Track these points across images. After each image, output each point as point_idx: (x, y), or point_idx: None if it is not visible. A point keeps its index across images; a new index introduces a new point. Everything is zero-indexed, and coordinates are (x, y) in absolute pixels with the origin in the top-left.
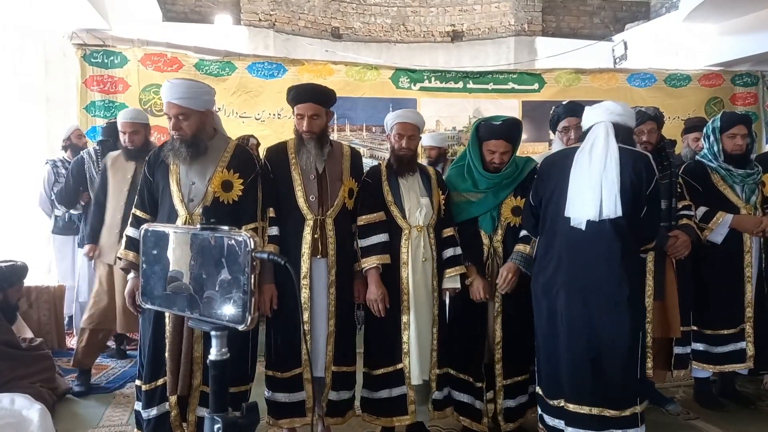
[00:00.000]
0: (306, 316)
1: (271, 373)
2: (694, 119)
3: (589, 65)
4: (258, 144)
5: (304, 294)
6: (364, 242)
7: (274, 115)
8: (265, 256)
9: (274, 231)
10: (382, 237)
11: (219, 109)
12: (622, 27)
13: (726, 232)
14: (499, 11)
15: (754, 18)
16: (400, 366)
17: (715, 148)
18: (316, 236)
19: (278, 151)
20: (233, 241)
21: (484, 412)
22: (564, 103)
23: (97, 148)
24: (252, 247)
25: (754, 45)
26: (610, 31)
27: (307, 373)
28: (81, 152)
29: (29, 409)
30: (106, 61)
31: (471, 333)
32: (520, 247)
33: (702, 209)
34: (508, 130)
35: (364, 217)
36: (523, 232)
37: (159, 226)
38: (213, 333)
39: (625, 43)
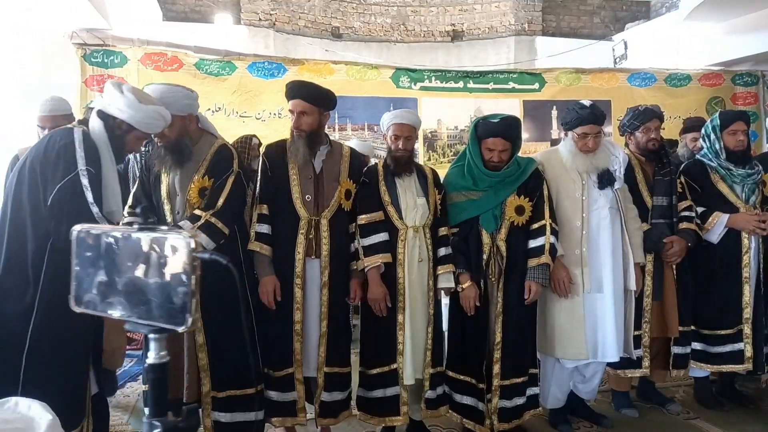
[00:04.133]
0: (298, 316)
1: (266, 371)
2: (693, 119)
3: (590, 65)
4: (260, 144)
5: (297, 294)
6: (366, 241)
7: (274, 114)
8: (206, 256)
9: (263, 228)
10: (383, 236)
11: (219, 108)
12: (622, 26)
13: (722, 231)
14: (499, 11)
15: (755, 17)
16: (394, 366)
17: (717, 146)
18: (310, 236)
19: (277, 148)
20: (173, 242)
21: (486, 413)
22: (587, 104)
23: (143, 148)
24: (193, 247)
25: (754, 44)
26: (611, 31)
27: (299, 374)
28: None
29: (41, 418)
30: (106, 60)
31: (473, 334)
32: (533, 262)
33: (699, 210)
34: (506, 128)
35: (365, 215)
36: (533, 244)
37: (94, 227)
38: (151, 336)
39: (625, 43)
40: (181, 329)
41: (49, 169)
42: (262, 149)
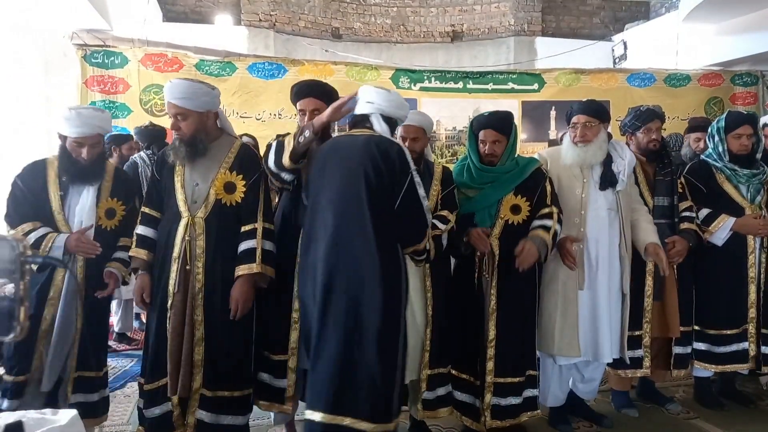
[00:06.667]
0: (297, 305)
1: (263, 353)
2: (698, 119)
3: (589, 65)
4: (255, 144)
5: (297, 284)
6: None
7: (274, 115)
8: (39, 260)
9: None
10: None
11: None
12: (621, 27)
13: (727, 235)
14: (498, 11)
15: (754, 17)
16: None
17: (720, 148)
18: None
19: None
20: None
21: (481, 410)
22: (585, 100)
23: (149, 152)
24: (21, 250)
25: (753, 44)
26: (610, 31)
27: (293, 363)
28: (132, 157)
29: (67, 412)
30: (106, 61)
31: (469, 331)
32: (534, 232)
33: (705, 211)
34: (496, 120)
35: None
36: (537, 223)
37: None
38: None
39: (624, 43)
40: (8, 339)
41: (390, 174)
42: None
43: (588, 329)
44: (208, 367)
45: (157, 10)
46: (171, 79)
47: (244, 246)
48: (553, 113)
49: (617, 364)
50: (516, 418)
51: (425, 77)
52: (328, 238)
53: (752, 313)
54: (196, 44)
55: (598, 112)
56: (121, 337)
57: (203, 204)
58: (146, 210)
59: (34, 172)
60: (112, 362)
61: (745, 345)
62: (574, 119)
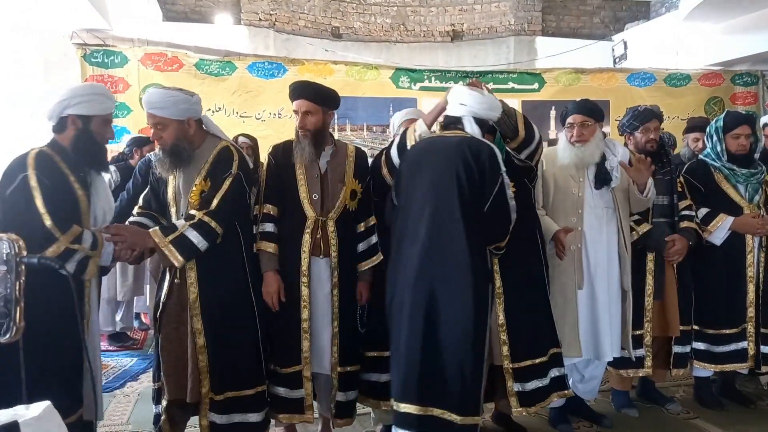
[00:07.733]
0: (306, 314)
1: (272, 367)
2: (697, 119)
3: (589, 65)
4: (252, 144)
5: (304, 292)
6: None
7: (274, 114)
8: (35, 261)
9: (268, 228)
10: None
11: (219, 108)
12: (622, 26)
13: (726, 234)
14: (499, 11)
15: (754, 17)
16: (386, 354)
17: (719, 148)
18: (317, 236)
19: (284, 148)
20: None
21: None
22: (579, 99)
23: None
24: (16, 251)
25: (754, 44)
26: (610, 31)
27: (307, 371)
28: (147, 154)
29: (39, 405)
30: (106, 60)
31: None
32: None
33: (703, 210)
34: None
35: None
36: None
37: None
38: None
39: (625, 43)
40: (3, 339)
41: (480, 178)
42: (262, 149)
43: (588, 328)
44: (214, 372)
45: (157, 10)
46: (171, 78)
47: (176, 222)
48: (553, 113)
49: (619, 363)
50: (545, 400)
51: (425, 77)
52: (423, 239)
53: (751, 312)
54: (196, 44)
55: (593, 111)
56: (121, 336)
57: None
58: (138, 210)
59: (52, 168)
60: (111, 362)
61: (744, 344)
62: (570, 119)
